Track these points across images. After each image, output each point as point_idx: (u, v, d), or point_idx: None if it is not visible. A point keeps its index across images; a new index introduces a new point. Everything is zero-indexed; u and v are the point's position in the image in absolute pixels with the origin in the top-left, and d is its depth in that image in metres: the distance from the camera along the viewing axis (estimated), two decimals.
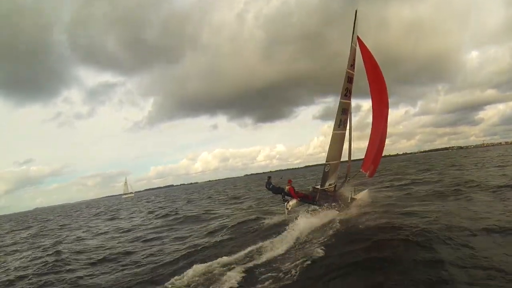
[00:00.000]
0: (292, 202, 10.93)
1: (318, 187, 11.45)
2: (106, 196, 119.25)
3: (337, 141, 11.14)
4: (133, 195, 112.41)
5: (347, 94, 10.92)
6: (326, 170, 11.05)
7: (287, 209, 10.81)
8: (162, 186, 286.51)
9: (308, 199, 11.16)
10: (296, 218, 9.69)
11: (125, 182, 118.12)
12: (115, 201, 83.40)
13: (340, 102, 10.77)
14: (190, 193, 54.45)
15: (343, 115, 10.98)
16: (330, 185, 11.45)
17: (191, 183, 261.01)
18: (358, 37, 10.96)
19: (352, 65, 10.90)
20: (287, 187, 11.30)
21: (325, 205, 10.76)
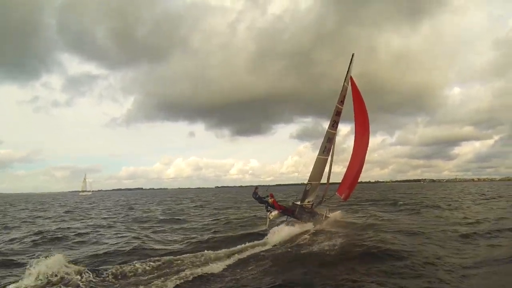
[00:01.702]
0: (274, 212, 12.16)
1: (298, 203, 12.79)
2: (73, 191, 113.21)
3: (320, 164, 12.64)
4: (90, 193, 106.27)
5: (334, 125, 12.52)
6: (307, 189, 12.45)
7: (269, 218, 12.02)
8: (131, 188, 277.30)
9: (288, 212, 12.45)
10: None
11: (84, 179, 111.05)
12: (66, 198, 75.60)
13: (327, 131, 12.36)
14: (146, 198, 52.37)
15: (327, 143, 12.53)
16: (308, 202, 12.80)
17: (161, 188, 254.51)
18: (351, 78, 12.68)
19: (342, 101, 12.54)
20: (270, 200, 12.51)
21: (302, 219, 12.17)
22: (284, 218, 12.78)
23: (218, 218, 18.12)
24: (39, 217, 22.22)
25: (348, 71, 12.64)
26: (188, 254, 8.72)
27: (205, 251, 8.96)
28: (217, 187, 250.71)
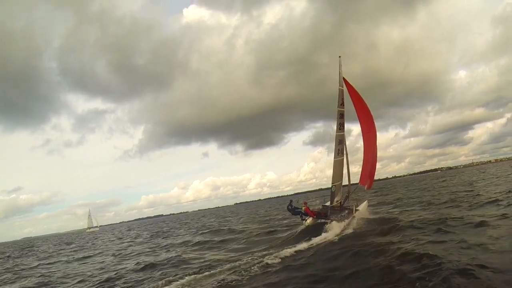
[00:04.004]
0: (309, 219, 13.26)
1: (327, 204, 13.92)
2: (95, 226, 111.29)
3: (337, 166, 13.75)
4: (98, 229, 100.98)
5: (340, 127, 13.62)
6: (332, 191, 13.58)
7: (306, 226, 13.17)
8: (152, 215, 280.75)
9: (321, 215, 13.56)
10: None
11: (89, 215, 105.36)
12: (72, 236, 73.91)
13: (336, 135, 13.47)
14: (157, 226, 50.19)
15: (339, 145, 13.65)
16: (337, 201, 13.93)
17: (181, 212, 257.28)
18: (344, 79, 13.70)
19: (341, 103, 13.63)
20: (303, 208, 13.64)
21: (336, 218, 13.29)
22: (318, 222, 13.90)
23: None
24: None
25: (339, 75, 13.68)
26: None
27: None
28: (236, 203, 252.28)
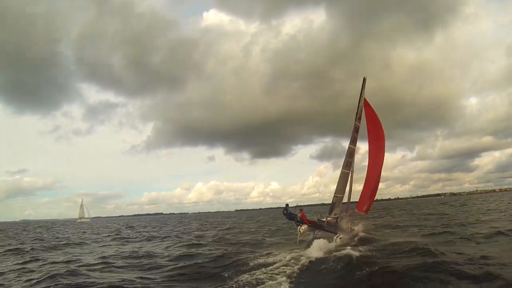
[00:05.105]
0: (304, 226, 13.10)
1: (323, 219, 13.68)
2: (94, 217, 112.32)
3: (343, 178, 13.65)
4: (89, 220, 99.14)
5: (354, 141, 13.60)
6: (333, 201, 13.45)
7: (300, 232, 12.98)
8: (152, 213, 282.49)
9: (316, 226, 13.39)
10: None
11: (81, 205, 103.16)
12: (57, 224, 73.79)
13: (348, 147, 13.55)
14: (152, 226, 44.55)
15: (349, 158, 13.58)
16: (335, 215, 13.68)
17: (181, 213, 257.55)
18: (365, 99, 13.76)
19: (359, 118, 13.69)
20: (299, 215, 13.50)
21: (330, 232, 13.08)
22: (312, 231, 13.67)
23: None
24: None
25: (361, 94, 13.79)
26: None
27: None
28: (237, 210, 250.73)
